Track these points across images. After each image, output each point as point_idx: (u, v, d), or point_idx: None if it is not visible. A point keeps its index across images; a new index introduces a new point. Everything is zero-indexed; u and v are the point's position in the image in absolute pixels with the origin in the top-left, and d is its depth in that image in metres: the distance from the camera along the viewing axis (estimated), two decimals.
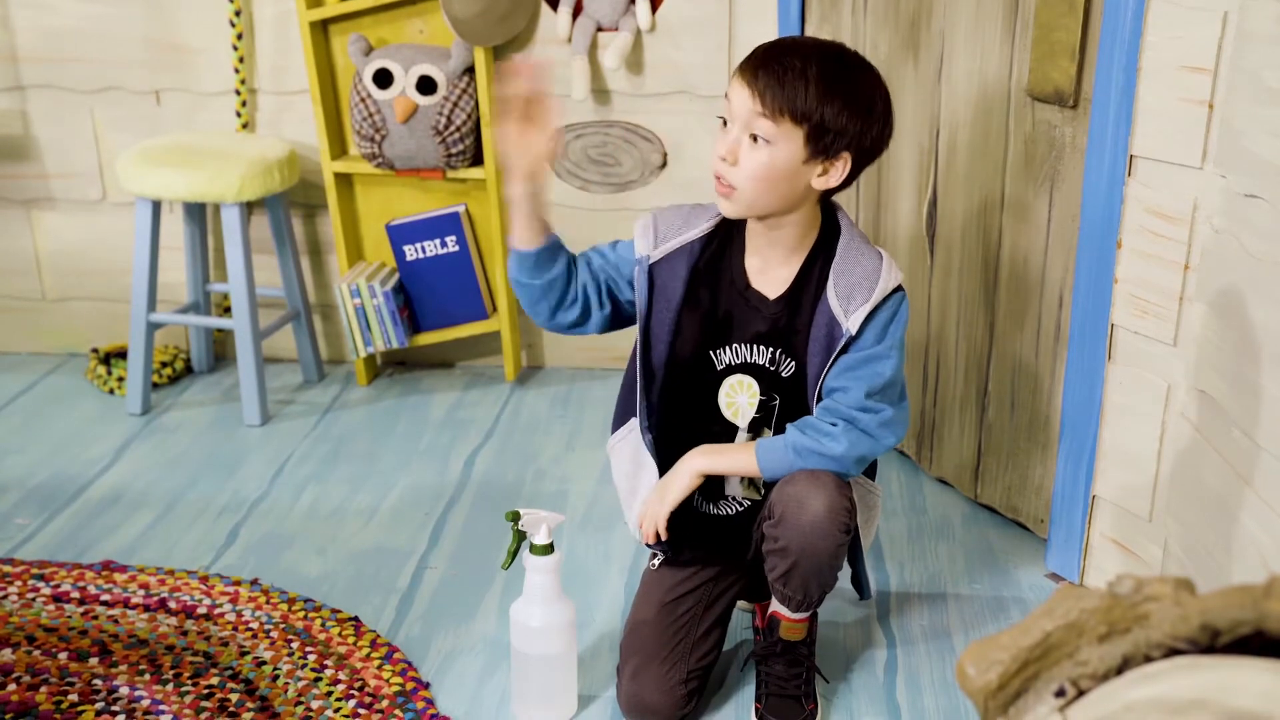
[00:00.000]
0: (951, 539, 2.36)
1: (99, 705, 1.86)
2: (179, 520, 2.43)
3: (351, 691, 1.89)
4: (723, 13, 2.84)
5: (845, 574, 1.94)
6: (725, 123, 1.69)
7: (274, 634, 2.04)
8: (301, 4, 2.81)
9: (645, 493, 1.84)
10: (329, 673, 1.94)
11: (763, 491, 1.86)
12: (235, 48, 2.93)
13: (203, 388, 3.06)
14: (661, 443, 1.84)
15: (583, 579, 2.21)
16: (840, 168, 1.68)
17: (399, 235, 2.97)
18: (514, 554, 1.79)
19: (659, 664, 1.81)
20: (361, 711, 1.85)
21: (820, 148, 1.65)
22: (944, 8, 2.27)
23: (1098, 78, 1.93)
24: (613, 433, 1.92)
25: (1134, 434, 2.02)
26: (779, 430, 1.81)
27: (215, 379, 3.11)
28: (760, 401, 1.81)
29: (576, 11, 2.85)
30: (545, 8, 2.87)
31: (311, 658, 1.97)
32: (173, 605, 2.12)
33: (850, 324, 1.70)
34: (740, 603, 2.07)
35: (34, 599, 2.13)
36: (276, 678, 1.93)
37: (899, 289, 1.74)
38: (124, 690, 1.89)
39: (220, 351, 3.21)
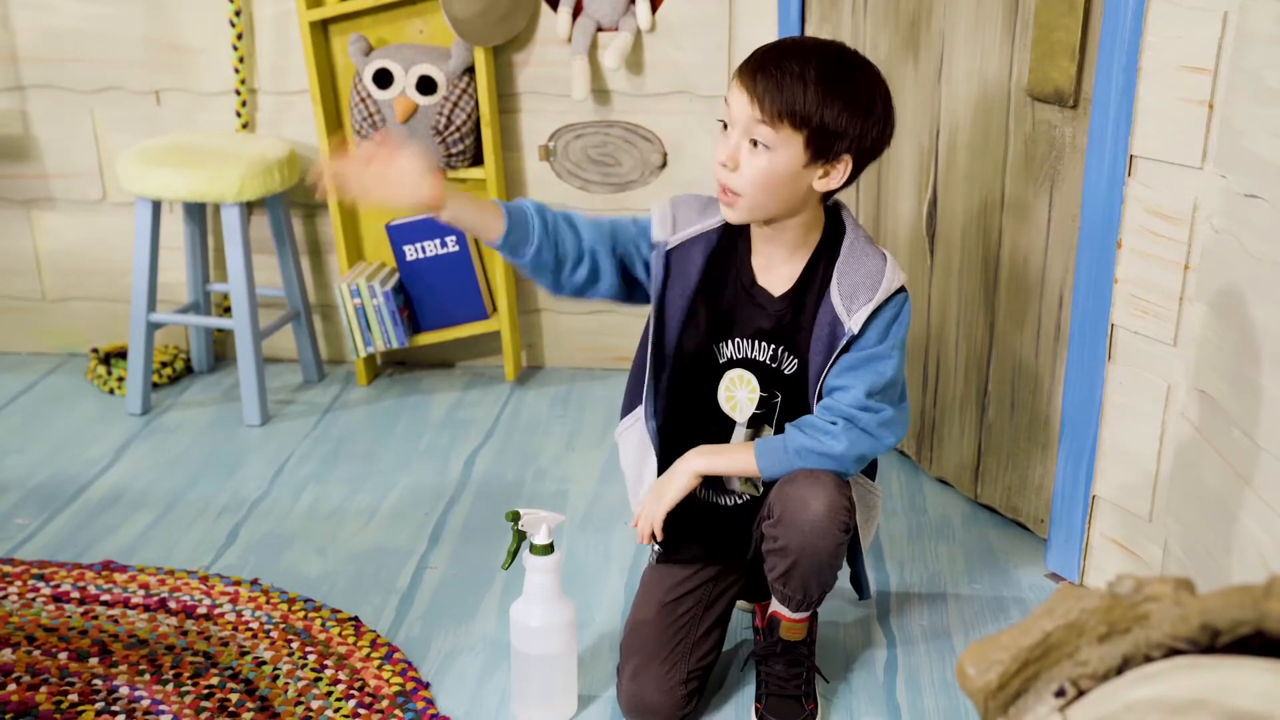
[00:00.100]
0: (951, 539, 2.36)
1: (99, 705, 1.86)
2: (179, 520, 2.43)
3: (351, 691, 1.89)
4: (723, 13, 2.84)
5: (845, 574, 1.94)
6: (725, 126, 1.69)
7: (274, 634, 2.04)
8: (301, 4, 2.81)
9: (650, 482, 1.84)
10: (329, 673, 1.94)
11: (761, 488, 1.86)
12: (235, 48, 2.93)
13: (203, 388, 3.06)
14: (663, 433, 1.84)
15: (583, 579, 2.21)
16: (841, 170, 1.68)
17: (399, 235, 2.97)
18: (514, 554, 1.79)
19: (659, 664, 1.81)
20: (361, 711, 1.85)
21: (821, 151, 1.65)
22: (944, 8, 2.27)
23: (1098, 78, 1.93)
24: (621, 418, 1.91)
25: (1134, 434, 2.02)
26: (781, 428, 1.81)
27: (215, 379, 3.11)
28: (762, 398, 1.81)
29: (576, 11, 2.85)
30: (545, 8, 2.87)
31: (311, 658, 1.97)
32: (173, 605, 2.12)
33: (853, 323, 1.70)
34: (740, 603, 2.07)
35: (34, 599, 2.13)
36: (276, 678, 1.93)
37: (902, 289, 1.74)
38: (124, 690, 1.89)
39: (220, 351, 3.21)
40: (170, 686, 1.91)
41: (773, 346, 1.79)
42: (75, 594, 2.15)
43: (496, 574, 2.23)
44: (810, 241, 1.76)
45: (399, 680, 1.92)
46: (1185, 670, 0.80)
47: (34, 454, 2.71)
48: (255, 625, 2.06)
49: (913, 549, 2.33)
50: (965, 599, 2.17)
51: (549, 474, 2.63)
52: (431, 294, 3.02)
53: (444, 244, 2.98)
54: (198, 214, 3.00)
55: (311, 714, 1.84)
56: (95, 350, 3.11)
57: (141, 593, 2.15)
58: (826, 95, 1.61)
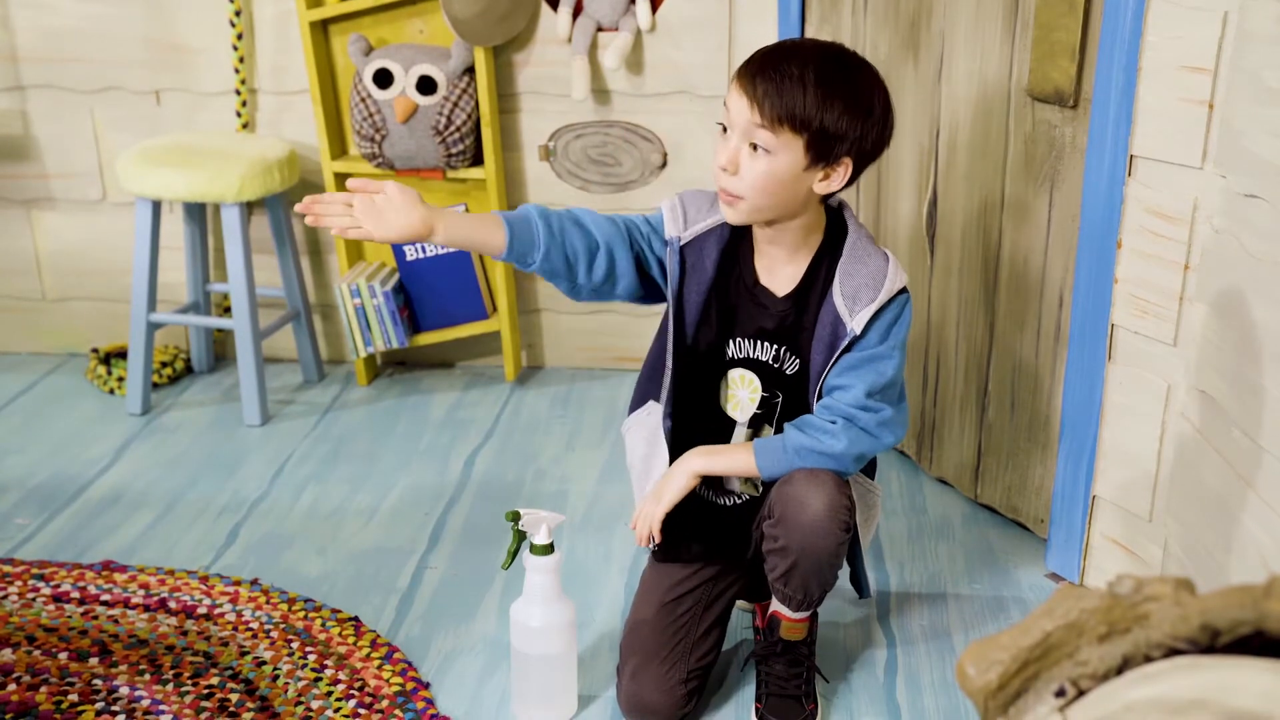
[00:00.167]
0: (951, 539, 2.36)
1: (99, 705, 1.86)
2: (179, 520, 2.43)
3: (351, 691, 1.89)
4: (723, 13, 2.84)
5: (845, 574, 1.94)
6: (724, 129, 1.69)
7: (274, 634, 2.04)
8: (301, 4, 2.81)
9: (657, 478, 1.83)
10: (329, 673, 1.94)
11: (761, 488, 1.86)
12: (235, 48, 2.93)
13: (203, 388, 3.06)
14: (674, 431, 1.84)
15: (583, 579, 2.21)
16: (842, 172, 1.67)
17: None
18: (514, 554, 1.79)
19: (659, 664, 1.81)
20: (361, 711, 1.85)
21: (821, 154, 1.64)
22: (944, 8, 2.27)
23: (1098, 78, 1.93)
24: (629, 414, 1.91)
25: (1134, 434, 2.02)
26: (780, 428, 1.81)
27: (215, 379, 3.11)
28: (763, 398, 1.81)
29: (576, 11, 2.85)
30: (545, 8, 2.87)
31: (311, 658, 1.97)
32: (173, 605, 2.12)
33: (855, 324, 1.70)
34: (740, 603, 2.07)
35: (34, 599, 2.13)
36: (276, 678, 1.93)
37: (904, 290, 1.74)
38: (124, 690, 1.89)
39: (220, 351, 3.21)
40: (170, 686, 1.91)
41: (775, 347, 1.78)
42: (75, 594, 2.15)
43: (496, 574, 2.23)
44: (812, 242, 1.76)
45: (399, 680, 1.92)
46: (1185, 670, 0.80)
47: (34, 454, 2.71)
48: (255, 625, 2.06)
49: (913, 549, 2.33)
50: (965, 599, 2.17)
51: (549, 474, 2.63)
52: (431, 294, 3.02)
53: None
54: (198, 214, 3.00)
55: (311, 714, 1.84)
56: (95, 350, 3.11)
57: (141, 593, 2.15)
58: (826, 98, 1.61)
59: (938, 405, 2.50)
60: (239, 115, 3.00)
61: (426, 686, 1.92)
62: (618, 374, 3.12)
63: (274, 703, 1.87)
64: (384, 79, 2.82)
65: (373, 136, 2.85)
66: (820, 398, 1.75)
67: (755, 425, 1.83)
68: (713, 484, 1.89)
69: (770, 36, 2.78)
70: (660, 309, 1.83)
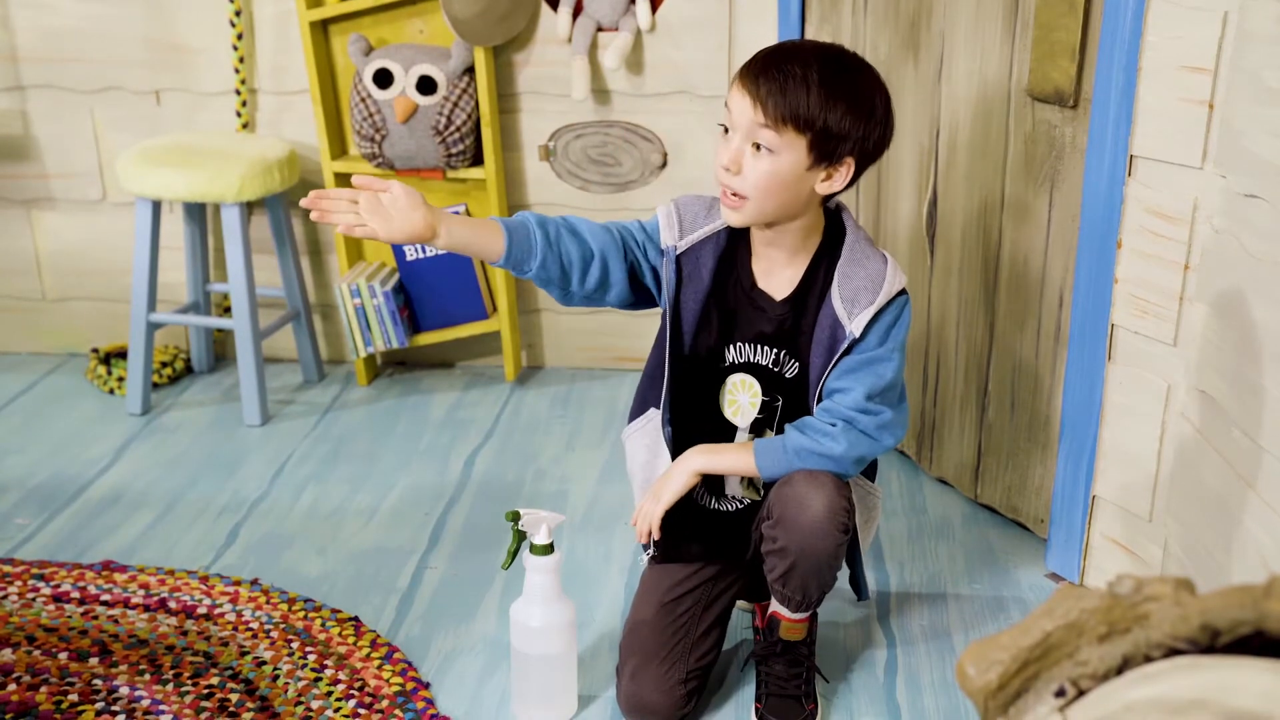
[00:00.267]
0: (951, 539, 2.36)
1: (99, 705, 1.86)
2: (179, 520, 2.43)
3: (351, 691, 1.89)
4: (723, 13, 2.84)
5: (844, 574, 1.94)
6: (726, 130, 1.68)
7: (274, 634, 2.04)
8: (301, 4, 2.81)
9: None
10: (329, 673, 1.94)
11: (762, 491, 1.85)
12: (235, 48, 2.93)
13: (203, 388, 3.06)
14: (674, 437, 1.84)
15: (583, 579, 2.21)
16: (844, 172, 1.67)
17: None
18: (514, 554, 1.79)
19: (658, 664, 1.81)
20: (361, 711, 1.85)
21: (824, 154, 1.64)
22: (944, 8, 2.27)
23: (1098, 78, 1.93)
24: (629, 422, 1.91)
25: (1134, 434, 2.02)
26: (780, 431, 1.81)
27: (215, 379, 3.11)
28: (763, 402, 1.81)
29: (576, 11, 2.85)
30: (545, 8, 2.87)
31: (311, 658, 1.97)
32: (173, 605, 2.12)
33: (854, 326, 1.70)
34: (740, 603, 2.07)
35: (34, 599, 2.13)
36: (276, 678, 1.93)
37: (903, 292, 1.74)
38: (124, 690, 1.89)
39: (220, 351, 3.21)
40: (170, 686, 1.91)
41: (775, 351, 1.78)
42: (75, 594, 2.15)
43: (496, 574, 2.23)
44: (811, 245, 1.76)
45: (399, 680, 1.92)
46: (1185, 670, 0.80)
47: (34, 454, 2.71)
48: (255, 625, 2.06)
49: (913, 549, 2.33)
50: (965, 599, 2.17)
51: (549, 474, 2.63)
52: (431, 294, 3.02)
53: None
54: (198, 214, 3.00)
55: (311, 714, 1.84)
56: (95, 350, 3.11)
57: (141, 593, 2.15)
58: (829, 98, 1.61)
59: (938, 405, 2.50)
60: (239, 115, 3.00)
61: (426, 686, 1.92)
62: (618, 374, 3.12)
63: (274, 703, 1.87)
64: (384, 79, 2.82)
65: (373, 136, 2.85)
66: (820, 400, 1.75)
67: (756, 429, 1.83)
68: (713, 489, 1.89)
69: (770, 36, 2.78)
70: (659, 311, 1.83)
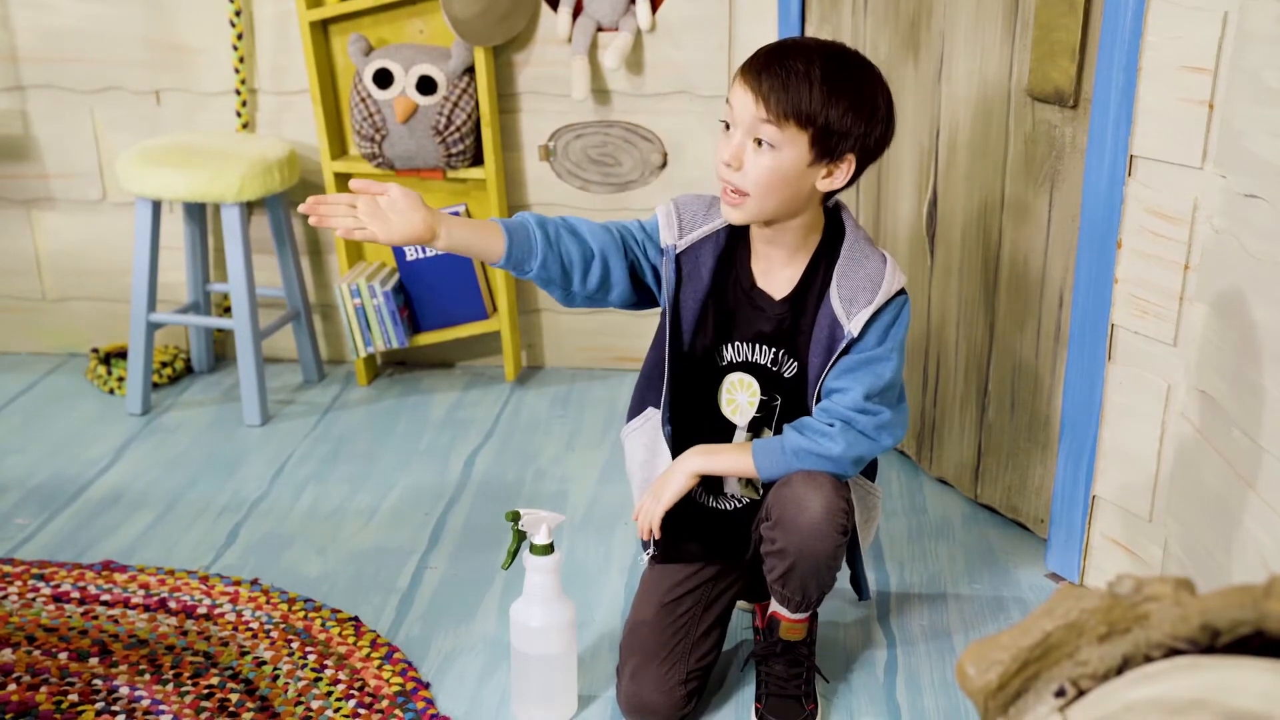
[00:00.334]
0: (951, 539, 2.36)
1: (99, 705, 1.86)
2: (179, 520, 2.43)
3: (351, 691, 1.89)
4: (723, 13, 2.84)
5: (845, 575, 1.94)
6: (727, 127, 1.68)
7: (274, 634, 2.04)
8: (301, 4, 2.81)
9: None
10: (329, 673, 1.94)
11: (761, 490, 1.85)
12: (235, 48, 2.93)
13: (203, 388, 3.06)
14: (673, 436, 1.84)
15: (583, 579, 2.21)
16: (845, 169, 1.67)
17: None
18: (514, 554, 1.79)
19: (658, 664, 1.81)
20: (361, 711, 1.85)
21: (825, 150, 1.64)
22: (944, 8, 2.27)
23: (1098, 78, 1.93)
24: (628, 421, 1.91)
25: (1134, 434, 2.02)
26: (779, 431, 1.81)
27: (215, 379, 3.11)
28: (761, 401, 1.81)
29: (576, 11, 2.85)
30: (545, 8, 2.87)
31: (311, 658, 1.97)
32: (173, 605, 2.12)
33: (852, 326, 1.70)
34: (740, 603, 2.07)
35: (34, 599, 2.13)
36: (276, 678, 1.93)
37: (902, 292, 1.74)
38: (124, 690, 1.89)
39: (220, 351, 3.21)
40: (170, 686, 1.91)
41: (774, 350, 1.78)
42: (75, 594, 2.15)
43: (496, 574, 2.23)
44: (810, 244, 1.76)
45: (399, 680, 1.92)
46: (1185, 670, 0.80)
47: (34, 454, 2.71)
48: (255, 625, 2.06)
49: (913, 549, 2.33)
50: (965, 599, 2.17)
51: (549, 474, 2.63)
52: (431, 294, 3.02)
53: None
54: (198, 214, 3.00)
55: (311, 714, 1.84)
56: (95, 350, 3.11)
57: (141, 593, 2.15)
58: (831, 95, 1.61)
59: (938, 405, 2.50)
60: (239, 115, 3.00)
61: (426, 686, 1.92)
62: (618, 374, 3.12)
63: (274, 703, 1.87)
64: (384, 79, 2.82)
65: (373, 136, 2.85)
66: (819, 400, 1.75)
67: (755, 429, 1.83)
68: (711, 488, 1.89)
69: (770, 36, 2.78)
70: (658, 310, 1.83)
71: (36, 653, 1.99)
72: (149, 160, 2.75)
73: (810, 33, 2.72)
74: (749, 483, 1.87)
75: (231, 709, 1.85)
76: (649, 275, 1.79)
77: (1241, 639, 0.82)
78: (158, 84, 3.01)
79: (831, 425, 1.71)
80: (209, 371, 3.14)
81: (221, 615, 2.09)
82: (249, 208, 2.96)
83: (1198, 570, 1.87)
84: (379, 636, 2.03)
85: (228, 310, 3.14)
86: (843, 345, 1.71)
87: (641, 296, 1.81)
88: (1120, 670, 0.85)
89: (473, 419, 2.89)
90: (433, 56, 2.83)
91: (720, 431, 1.84)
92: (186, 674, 1.93)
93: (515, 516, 1.76)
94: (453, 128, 2.85)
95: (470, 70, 2.85)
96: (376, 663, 1.96)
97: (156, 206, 2.82)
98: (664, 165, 2.96)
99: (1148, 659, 0.85)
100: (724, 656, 1.98)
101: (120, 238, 3.10)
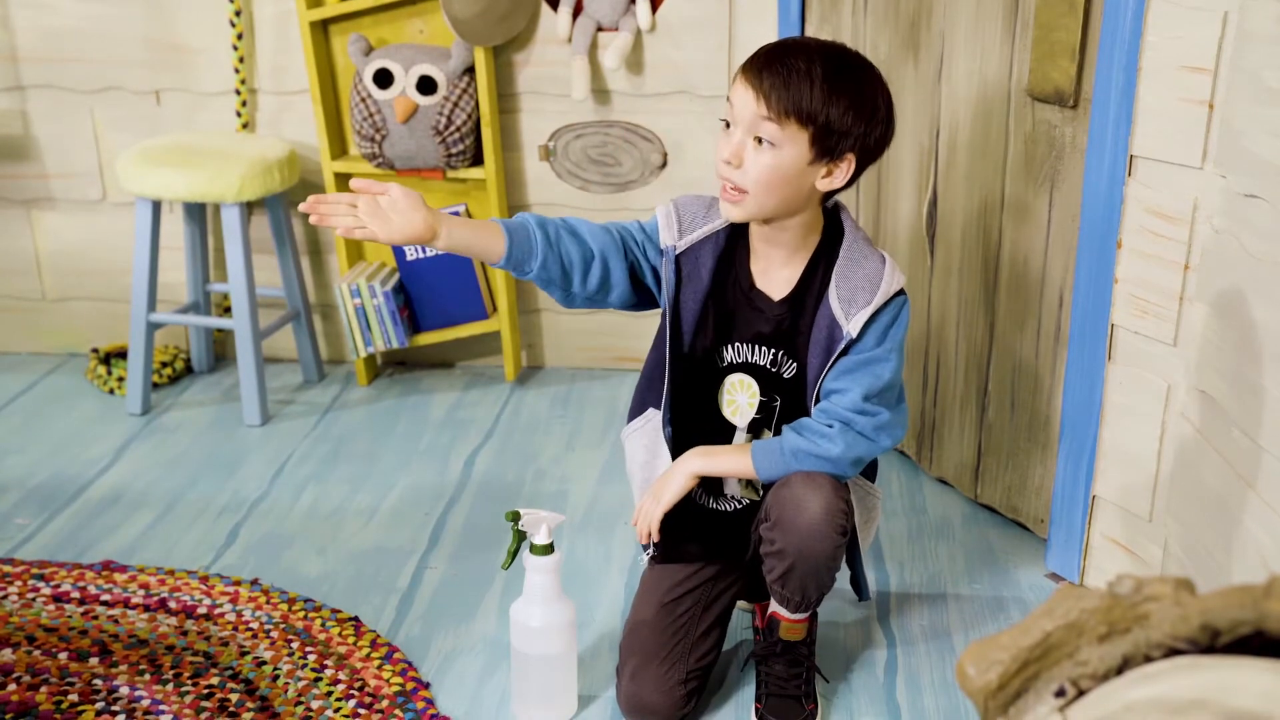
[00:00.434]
0: (951, 539, 2.36)
1: (99, 705, 1.86)
2: (179, 520, 2.43)
3: (351, 691, 1.89)
4: (723, 13, 2.84)
5: (845, 575, 1.94)
6: (727, 125, 1.69)
7: (274, 634, 2.04)
8: (301, 4, 2.81)
9: None
10: (329, 673, 1.94)
11: (761, 491, 1.85)
12: (235, 48, 2.93)
13: (203, 388, 3.06)
14: (673, 437, 1.84)
15: (583, 579, 2.21)
16: (845, 169, 1.68)
17: None
18: (514, 554, 1.79)
19: (658, 664, 1.81)
20: (361, 711, 1.85)
21: (826, 149, 1.65)
22: (944, 8, 2.27)
23: (1098, 78, 1.93)
24: (628, 422, 1.91)
25: (1134, 434, 2.02)
26: (779, 432, 1.81)
27: (215, 379, 3.11)
28: (761, 402, 1.81)
29: (576, 11, 2.85)
30: (545, 8, 2.87)
31: (311, 658, 1.97)
32: (173, 605, 2.12)
33: (851, 327, 1.70)
34: (740, 603, 2.07)
35: (34, 599, 2.13)
36: (276, 678, 1.93)
37: (901, 292, 1.74)
38: (124, 690, 1.89)
39: (220, 351, 3.21)
40: (170, 686, 1.91)
41: (773, 351, 1.78)
42: (75, 594, 2.15)
43: (496, 574, 2.23)
44: (809, 244, 1.76)
45: (399, 680, 1.92)
46: (1185, 670, 0.80)
47: (34, 454, 2.71)
48: (255, 625, 2.06)
49: (913, 549, 2.33)
50: (965, 599, 2.17)
51: (549, 474, 2.63)
52: (431, 294, 3.02)
53: None
54: (198, 214, 3.00)
55: (311, 714, 1.84)
56: (95, 350, 3.11)
57: (141, 593, 2.15)
58: (832, 93, 1.62)
59: (938, 405, 2.50)
60: (239, 115, 3.00)
61: (426, 686, 1.92)
62: (618, 374, 3.12)
63: (274, 703, 1.87)
64: (384, 79, 2.82)
65: (373, 136, 2.85)
66: (818, 401, 1.75)
67: (754, 429, 1.83)
68: (711, 489, 1.89)
69: (770, 36, 2.78)
70: (658, 311, 1.83)
71: (36, 653, 1.99)
72: (149, 160, 2.75)
73: (810, 33, 2.72)
74: (749, 484, 1.87)
75: (231, 709, 1.85)
76: (649, 276, 1.79)
77: (1241, 639, 0.82)
78: (158, 84, 3.01)
79: (830, 426, 1.71)
80: (209, 371, 3.14)
81: (221, 615, 2.09)
82: (249, 208, 2.96)
83: (1198, 570, 1.87)
84: (379, 636, 2.03)
85: (228, 310, 3.14)
86: (841, 346, 1.71)
87: (641, 297, 1.81)
88: (1120, 670, 0.85)
89: (473, 419, 2.89)
90: (433, 56, 2.83)
91: (720, 433, 1.84)
92: (186, 674, 1.93)
93: (515, 516, 1.76)
94: (453, 128, 2.85)
95: (470, 70, 2.85)
96: (376, 663, 1.96)
97: (156, 206, 2.82)
98: (664, 165, 2.96)
99: (1148, 659, 0.85)
100: (724, 656, 1.98)
101: (120, 238, 3.10)
